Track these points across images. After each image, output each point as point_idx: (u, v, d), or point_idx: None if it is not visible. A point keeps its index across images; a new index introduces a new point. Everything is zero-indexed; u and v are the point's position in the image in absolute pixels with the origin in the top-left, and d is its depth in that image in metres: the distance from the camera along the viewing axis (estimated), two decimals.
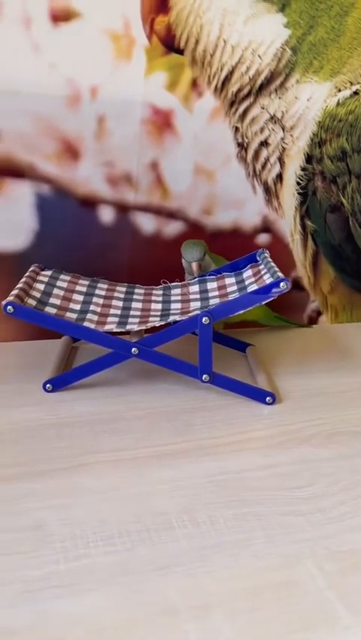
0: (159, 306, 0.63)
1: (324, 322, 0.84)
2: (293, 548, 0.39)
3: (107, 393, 0.59)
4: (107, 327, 0.57)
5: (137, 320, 0.60)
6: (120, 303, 0.63)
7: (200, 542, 0.39)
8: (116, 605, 0.34)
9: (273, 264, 0.61)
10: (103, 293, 0.65)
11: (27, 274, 0.62)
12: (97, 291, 0.65)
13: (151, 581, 0.36)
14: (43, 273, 0.65)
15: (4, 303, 0.54)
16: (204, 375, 0.58)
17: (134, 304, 0.63)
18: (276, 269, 0.60)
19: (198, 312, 0.57)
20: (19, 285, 0.59)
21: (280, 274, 0.58)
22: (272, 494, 0.45)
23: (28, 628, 0.33)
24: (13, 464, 0.47)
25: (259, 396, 0.59)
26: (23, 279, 0.61)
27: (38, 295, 0.60)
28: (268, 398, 0.58)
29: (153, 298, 0.65)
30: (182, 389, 0.60)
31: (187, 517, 0.42)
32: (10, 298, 0.55)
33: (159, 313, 0.61)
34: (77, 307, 0.61)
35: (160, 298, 0.65)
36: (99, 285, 0.66)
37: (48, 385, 0.58)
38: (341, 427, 0.55)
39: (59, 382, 0.59)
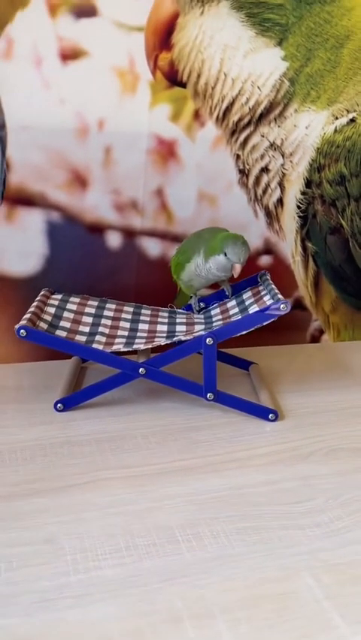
0: (165, 328, 0.66)
1: (327, 340, 0.86)
2: (292, 561, 0.41)
3: (115, 412, 0.61)
4: (114, 348, 0.60)
5: (143, 340, 0.62)
6: (128, 325, 0.66)
7: (203, 555, 0.41)
8: (124, 614, 0.36)
9: (273, 285, 0.64)
10: (111, 314, 0.67)
11: (38, 298, 0.65)
12: (105, 312, 0.67)
13: (157, 591, 0.38)
14: (53, 296, 0.68)
15: (17, 327, 0.57)
16: (208, 394, 0.60)
17: (141, 325, 0.66)
18: (276, 291, 0.62)
19: (202, 332, 0.60)
20: (31, 309, 0.62)
21: (280, 296, 0.60)
22: (273, 509, 0.47)
23: (43, 635, 0.35)
24: (27, 481, 0.49)
25: (262, 413, 0.60)
26: (35, 303, 0.63)
27: (49, 319, 0.62)
28: (270, 415, 0.60)
29: (160, 320, 0.68)
30: (187, 407, 0.62)
31: (191, 532, 0.44)
32: (23, 322, 0.58)
33: (164, 335, 0.64)
34: (87, 329, 0.63)
35: (166, 320, 0.68)
36: (107, 305, 0.69)
37: (59, 405, 0.61)
38: (341, 443, 0.57)
39: (70, 402, 0.61)
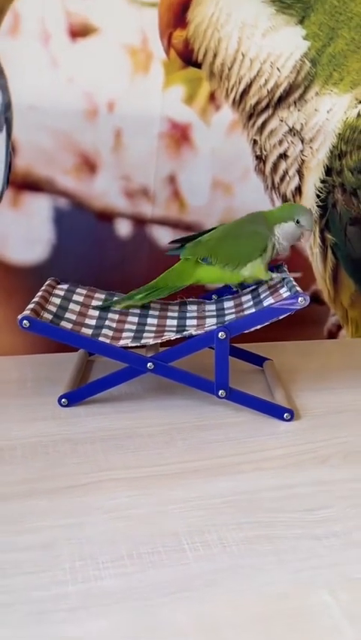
0: (175, 322, 0.63)
1: (344, 336, 0.83)
2: (307, 575, 0.38)
3: (121, 409, 0.58)
4: (122, 342, 0.57)
5: (152, 334, 0.59)
6: (136, 319, 0.63)
7: (211, 566, 0.38)
8: (124, 630, 0.34)
9: (290, 277, 0.60)
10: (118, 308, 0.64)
11: (43, 288, 0.63)
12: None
13: (161, 605, 0.35)
14: (59, 286, 0.65)
15: (20, 317, 0.54)
16: (220, 391, 0.57)
17: (149, 320, 0.63)
18: (294, 283, 0.59)
19: (214, 327, 0.57)
20: (35, 299, 0.59)
21: (298, 288, 0.57)
22: (286, 517, 0.43)
23: None
24: (24, 481, 0.47)
25: (277, 412, 0.57)
26: (39, 293, 0.61)
27: (54, 309, 0.60)
28: (285, 415, 0.57)
29: (169, 314, 0.65)
30: (198, 405, 0.59)
31: (199, 539, 0.41)
32: (26, 312, 0.55)
33: (174, 329, 0.61)
34: (93, 322, 0.60)
35: (176, 314, 0.65)
36: (115, 299, 0.66)
37: (63, 400, 0.58)
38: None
39: (74, 397, 0.59)
